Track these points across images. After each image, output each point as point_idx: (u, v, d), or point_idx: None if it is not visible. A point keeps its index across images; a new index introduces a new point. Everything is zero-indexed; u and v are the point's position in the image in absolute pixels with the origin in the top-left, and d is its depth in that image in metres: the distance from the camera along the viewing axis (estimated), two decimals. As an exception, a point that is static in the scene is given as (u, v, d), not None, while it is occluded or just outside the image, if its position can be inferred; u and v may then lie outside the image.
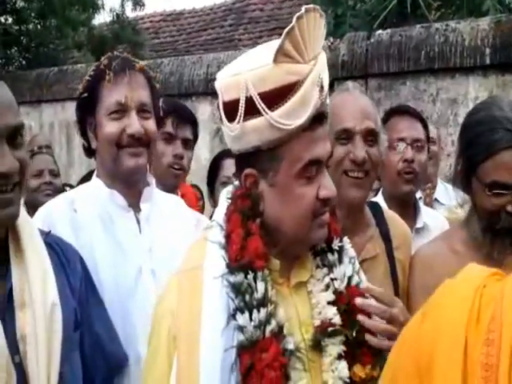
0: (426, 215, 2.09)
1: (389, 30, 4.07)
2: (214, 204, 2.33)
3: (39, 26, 8.21)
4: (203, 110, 4.67)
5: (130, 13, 8.38)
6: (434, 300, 0.71)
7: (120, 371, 1.41)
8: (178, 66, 5.05)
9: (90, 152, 1.61)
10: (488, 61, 3.49)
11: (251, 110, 1.04)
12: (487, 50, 3.51)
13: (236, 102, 1.05)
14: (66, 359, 1.17)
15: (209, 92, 4.66)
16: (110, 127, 1.51)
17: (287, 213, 1.09)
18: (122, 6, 8.08)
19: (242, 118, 1.05)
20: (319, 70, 1.05)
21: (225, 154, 2.46)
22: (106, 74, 1.51)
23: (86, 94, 1.54)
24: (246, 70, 1.05)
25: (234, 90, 1.06)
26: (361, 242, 1.46)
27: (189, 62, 5.06)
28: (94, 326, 1.33)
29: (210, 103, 4.72)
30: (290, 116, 1.03)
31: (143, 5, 8.17)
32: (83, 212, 1.53)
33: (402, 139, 2.04)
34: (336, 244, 1.16)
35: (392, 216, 1.61)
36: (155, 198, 1.63)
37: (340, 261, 1.15)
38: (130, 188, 1.57)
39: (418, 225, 2.04)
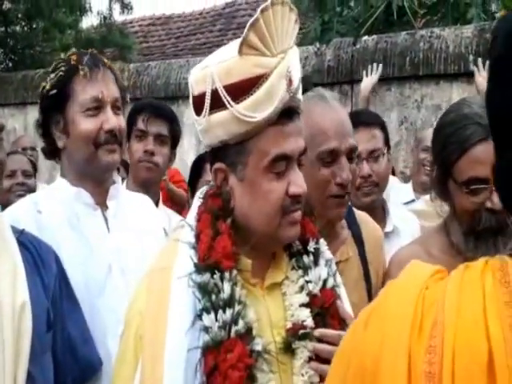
0: (396, 218, 2.08)
1: (374, 36, 4.10)
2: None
3: (26, 28, 8.17)
4: (189, 114, 4.63)
5: (118, 16, 8.37)
6: (377, 305, 0.67)
7: (93, 374, 1.39)
8: (164, 69, 5.04)
9: (52, 153, 1.57)
10: (472, 68, 3.52)
11: (217, 103, 1.04)
12: (471, 57, 3.54)
13: (203, 95, 1.05)
14: (35, 360, 1.15)
15: (195, 96, 4.66)
16: (86, 124, 1.49)
17: (256, 208, 1.07)
18: (110, 9, 8.06)
19: (207, 112, 1.05)
20: (288, 63, 1.04)
21: (207, 156, 2.44)
22: (80, 69, 1.48)
23: (54, 91, 1.50)
24: (214, 63, 1.05)
25: (202, 83, 1.06)
26: (334, 245, 1.44)
27: (176, 65, 5.05)
28: (67, 326, 1.31)
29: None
30: (256, 109, 1.02)
31: (131, 8, 8.16)
32: (48, 212, 1.50)
33: (358, 155, 2.02)
34: (312, 246, 1.15)
35: (364, 219, 1.60)
36: (122, 195, 1.61)
37: (316, 263, 1.14)
38: (99, 186, 1.55)
39: (388, 229, 2.02)
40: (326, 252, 1.18)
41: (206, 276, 1.04)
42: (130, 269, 1.48)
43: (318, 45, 4.40)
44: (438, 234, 1.50)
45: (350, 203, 2.05)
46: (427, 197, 2.40)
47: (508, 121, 0.63)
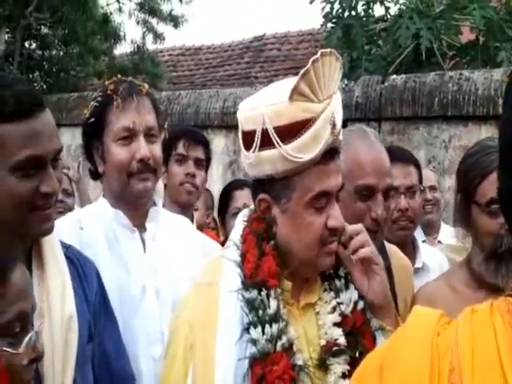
0: (425, 255, 2.12)
1: (403, 75, 4.17)
2: (226, 234, 2.37)
3: (62, 53, 8.46)
4: (218, 143, 4.75)
5: (150, 45, 8.64)
6: (388, 356, 0.68)
7: None
8: (195, 98, 5.17)
9: (96, 175, 1.64)
10: (501, 111, 3.56)
11: (266, 142, 1.11)
12: (500, 101, 3.58)
13: (253, 132, 1.13)
14: (79, 369, 1.21)
15: (224, 125, 4.76)
16: (119, 154, 1.54)
17: (297, 238, 1.15)
18: (143, 37, 8.33)
19: (257, 148, 1.13)
20: (332, 108, 1.12)
21: (236, 184, 2.52)
22: (114, 99, 1.53)
23: (92, 119, 1.57)
24: (264, 105, 1.13)
25: (252, 121, 1.14)
26: None
27: (206, 95, 5.18)
28: (104, 340, 1.35)
29: (224, 136, 4.81)
30: (302, 150, 1.10)
31: (163, 38, 8.42)
32: (90, 230, 1.55)
33: (396, 188, 2.07)
34: (342, 271, 1.22)
35: (394, 250, 1.64)
36: (161, 218, 1.65)
37: (346, 286, 1.20)
38: (136, 210, 1.60)
39: (417, 265, 2.06)
40: None
41: (254, 292, 1.11)
42: (165, 291, 1.51)
43: (346, 81, 4.49)
44: (461, 268, 1.54)
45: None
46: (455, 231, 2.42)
47: None
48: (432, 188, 2.95)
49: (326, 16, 5.40)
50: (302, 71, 1.09)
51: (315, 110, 1.10)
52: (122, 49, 8.67)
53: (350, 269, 1.22)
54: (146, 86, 1.62)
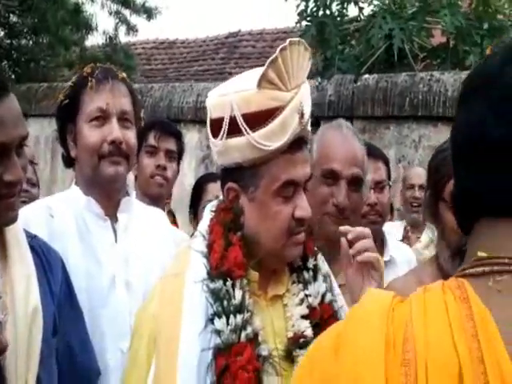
0: (393, 249, 2.17)
1: (375, 75, 4.22)
2: (197, 227, 2.36)
3: (31, 42, 8.27)
4: (191, 138, 4.72)
5: (122, 37, 8.51)
6: (344, 331, 0.70)
7: (90, 383, 1.40)
8: (168, 92, 5.13)
9: (69, 161, 1.61)
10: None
11: (234, 129, 1.12)
12: (469, 103, 3.65)
13: (221, 120, 1.13)
14: (43, 364, 1.18)
15: (197, 120, 4.73)
16: (91, 136, 1.52)
17: (264, 228, 1.15)
18: (116, 29, 8.20)
19: (225, 136, 1.13)
20: (301, 98, 1.13)
21: (208, 177, 2.51)
22: (89, 81, 1.52)
23: (67, 101, 1.55)
24: (233, 92, 1.13)
25: (221, 108, 1.14)
26: (335, 270, 1.50)
27: (179, 89, 5.14)
28: (68, 333, 1.32)
29: (197, 131, 4.78)
30: (270, 138, 1.10)
31: (137, 30, 8.29)
32: (60, 218, 1.52)
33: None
34: (311, 262, 1.22)
35: None
36: (134, 209, 1.62)
37: (315, 278, 1.21)
38: (108, 197, 1.57)
39: (385, 258, 2.10)
40: (324, 267, 1.25)
41: (219, 283, 1.11)
42: (135, 283, 1.50)
43: (319, 79, 4.51)
44: (430, 264, 1.57)
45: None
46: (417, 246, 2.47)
47: (472, 145, 0.70)
48: (421, 187, 2.98)
49: (300, 14, 5.41)
50: (270, 58, 1.09)
51: (283, 98, 1.10)
52: (93, 40, 8.53)
53: (344, 266, 1.23)
54: (124, 74, 1.61)
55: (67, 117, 1.56)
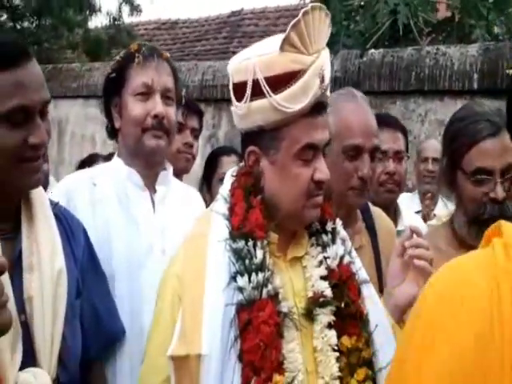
0: (406, 220, 2.20)
1: (381, 50, 4.21)
2: (211, 199, 2.41)
3: (34, 25, 8.24)
4: (195, 116, 4.73)
5: (126, 18, 8.47)
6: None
7: (115, 343, 1.46)
8: (173, 71, 5.13)
9: (112, 133, 1.69)
10: (475, 86, 3.63)
11: (257, 92, 1.15)
12: (475, 76, 3.65)
13: (244, 83, 1.17)
14: (68, 323, 1.23)
15: (202, 99, 4.73)
16: (135, 109, 1.60)
17: (284, 190, 1.19)
18: (119, 10, 8.16)
19: (248, 99, 1.16)
20: (321, 62, 1.16)
21: (222, 151, 2.56)
22: (136, 56, 1.60)
23: (114, 74, 1.63)
24: (255, 56, 1.16)
25: (243, 72, 1.17)
26: (349, 234, 1.53)
27: (184, 68, 5.13)
28: (93, 297, 1.38)
29: (203, 110, 4.79)
30: (292, 100, 1.14)
31: (140, 10, 8.27)
32: (102, 187, 1.60)
33: (384, 151, 2.14)
34: (330, 226, 1.27)
35: (378, 213, 1.72)
36: (171, 183, 1.71)
37: (333, 241, 1.25)
38: (148, 169, 1.64)
39: (399, 227, 2.13)
40: (341, 231, 1.30)
41: (241, 243, 1.15)
42: (170, 251, 1.53)
43: (325, 56, 4.50)
44: (444, 228, 1.61)
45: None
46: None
47: None
48: (435, 160, 2.99)
49: (304, -10, 5.38)
50: (293, 22, 1.12)
51: (305, 61, 1.14)
52: (97, 21, 8.50)
53: (412, 269, 1.29)
54: (168, 53, 1.69)
55: (113, 90, 1.64)
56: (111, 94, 1.65)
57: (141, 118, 1.59)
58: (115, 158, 1.69)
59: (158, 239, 1.59)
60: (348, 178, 1.51)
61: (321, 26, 1.15)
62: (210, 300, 1.12)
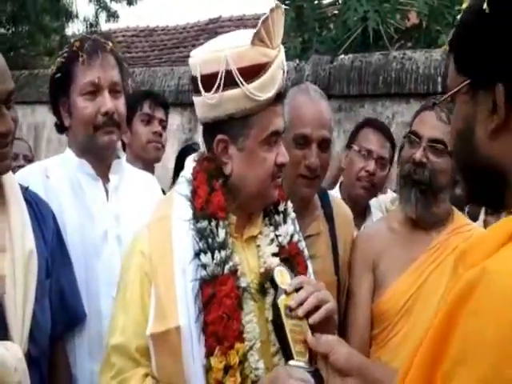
0: (375, 219, 2.30)
1: (350, 55, 4.34)
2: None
3: (11, 31, 8.24)
4: (173, 121, 4.78)
5: (103, 25, 8.52)
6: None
7: (77, 325, 1.53)
8: (149, 76, 5.20)
9: (61, 129, 1.73)
10: (439, 88, 3.78)
11: (229, 82, 1.23)
12: (439, 79, 3.81)
13: (215, 74, 1.24)
14: (38, 302, 1.30)
15: (178, 103, 4.81)
16: (85, 108, 1.63)
17: (252, 173, 1.28)
18: (96, 16, 8.21)
19: (221, 88, 1.24)
20: (282, 56, 1.28)
21: (191, 149, 2.65)
22: (80, 55, 1.62)
23: (59, 74, 1.65)
24: (227, 48, 1.24)
25: (215, 63, 1.24)
26: (307, 221, 1.64)
27: (160, 73, 5.21)
28: (60, 278, 1.45)
29: (179, 114, 4.86)
30: (262, 90, 1.24)
31: (117, 16, 8.33)
32: (55, 179, 1.65)
33: (370, 151, 2.26)
34: (282, 207, 1.38)
35: (337, 201, 1.83)
36: (125, 171, 1.76)
37: (284, 221, 1.36)
38: (100, 161, 1.70)
39: (368, 223, 2.26)
40: (291, 212, 1.41)
41: (205, 223, 1.25)
42: (125, 237, 1.61)
43: (297, 61, 4.63)
44: (398, 211, 1.73)
45: (340, 190, 2.29)
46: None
47: None
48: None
49: (278, -2, 5.51)
50: (263, 18, 1.22)
51: (271, 55, 1.25)
52: (74, 27, 8.54)
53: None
54: (110, 43, 1.71)
55: (60, 89, 1.67)
56: (58, 93, 1.67)
57: (91, 117, 1.63)
58: (67, 150, 1.73)
59: (113, 226, 1.64)
60: (296, 165, 1.61)
61: (280, 23, 1.26)
62: (179, 276, 1.21)
